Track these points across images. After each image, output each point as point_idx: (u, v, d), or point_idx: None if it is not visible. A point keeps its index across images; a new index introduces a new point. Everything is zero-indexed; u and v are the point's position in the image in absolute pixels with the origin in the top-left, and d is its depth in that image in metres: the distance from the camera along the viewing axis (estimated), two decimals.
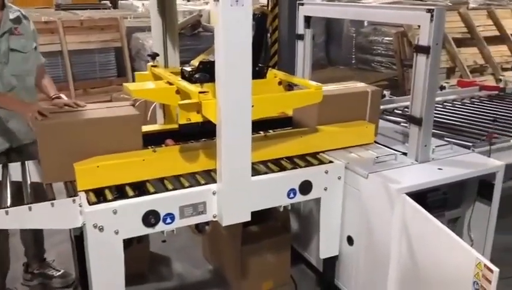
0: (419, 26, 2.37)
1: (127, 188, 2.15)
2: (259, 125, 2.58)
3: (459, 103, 3.81)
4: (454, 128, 3.13)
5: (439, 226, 2.07)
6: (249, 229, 2.81)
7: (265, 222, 2.90)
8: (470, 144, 2.77)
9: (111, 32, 7.12)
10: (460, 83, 4.45)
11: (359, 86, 2.94)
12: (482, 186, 2.59)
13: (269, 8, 6.22)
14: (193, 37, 7.17)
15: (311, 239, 2.95)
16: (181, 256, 3.33)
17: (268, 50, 6.37)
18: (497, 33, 8.75)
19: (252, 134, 2.11)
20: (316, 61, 9.40)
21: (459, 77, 7.94)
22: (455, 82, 7.43)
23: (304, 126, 2.71)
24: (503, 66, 8.42)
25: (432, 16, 2.29)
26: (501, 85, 4.14)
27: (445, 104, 3.78)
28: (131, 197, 2.08)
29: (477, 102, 3.84)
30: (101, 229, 1.98)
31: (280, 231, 2.91)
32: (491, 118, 3.32)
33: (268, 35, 6.34)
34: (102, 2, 12.80)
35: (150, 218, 2.08)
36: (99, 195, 2.09)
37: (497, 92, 4.05)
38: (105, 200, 2.04)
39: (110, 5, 12.14)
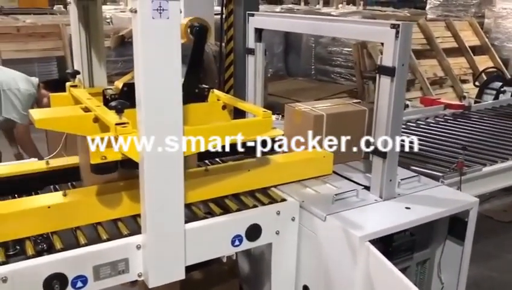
0: (382, 43, 2.06)
1: (27, 244, 1.71)
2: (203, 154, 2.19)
3: (424, 123, 3.54)
4: (421, 154, 2.84)
5: (407, 284, 1.75)
6: (190, 277, 2.40)
7: (209, 266, 2.49)
8: (439, 174, 2.47)
9: (53, 40, 6.58)
10: (424, 100, 4.20)
11: (353, 103, 2.70)
12: (453, 223, 2.30)
13: (224, 16, 5.85)
14: None
15: (262, 284, 2.56)
16: None
17: (223, 61, 6.03)
18: (455, 45, 8.72)
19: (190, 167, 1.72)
20: (275, 72, 9.11)
21: (419, 90, 7.82)
22: (415, 95, 7.31)
23: None
24: (462, 78, 8.38)
25: (397, 32, 1.97)
26: (465, 103, 3.91)
27: (408, 124, 3.51)
28: (30, 257, 1.64)
29: (443, 122, 3.59)
30: None
31: (226, 277, 2.52)
32: (459, 141, 3.06)
33: (223, 45, 6.00)
34: (56, 6, 12.01)
35: (54, 283, 1.63)
36: None
37: (461, 111, 3.82)
38: None
39: (64, 9, 11.38)
